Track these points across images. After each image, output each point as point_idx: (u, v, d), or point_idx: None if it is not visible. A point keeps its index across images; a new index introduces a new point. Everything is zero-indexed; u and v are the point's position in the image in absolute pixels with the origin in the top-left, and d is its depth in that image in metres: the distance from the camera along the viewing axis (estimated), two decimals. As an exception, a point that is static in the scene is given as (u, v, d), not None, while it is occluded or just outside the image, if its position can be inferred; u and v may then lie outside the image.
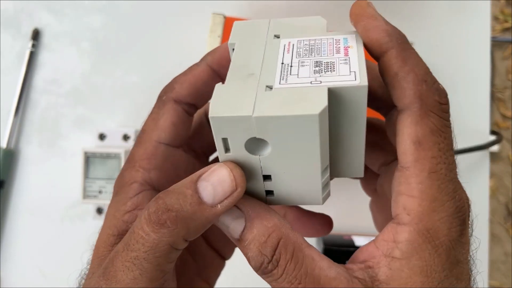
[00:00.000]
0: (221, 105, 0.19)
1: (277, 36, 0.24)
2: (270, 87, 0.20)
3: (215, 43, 0.42)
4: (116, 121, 0.49)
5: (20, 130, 0.50)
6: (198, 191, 0.20)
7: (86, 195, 0.46)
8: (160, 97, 0.27)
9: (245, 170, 0.21)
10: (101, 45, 0.50)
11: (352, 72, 0.20)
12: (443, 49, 0.48)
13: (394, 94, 0.20)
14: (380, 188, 0.27)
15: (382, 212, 0.27)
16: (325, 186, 0.22)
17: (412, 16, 0.48)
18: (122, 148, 0.47)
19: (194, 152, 0.29)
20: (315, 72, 0.21)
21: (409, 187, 0.20)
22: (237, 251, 0.46)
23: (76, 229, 0.49)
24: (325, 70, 0.20)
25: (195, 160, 0.29)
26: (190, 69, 0.27)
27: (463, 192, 0.21)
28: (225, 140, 0.20)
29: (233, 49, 0.24)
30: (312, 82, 0.20)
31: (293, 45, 0.23)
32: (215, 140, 0.20)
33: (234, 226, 0.20)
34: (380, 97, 0.24)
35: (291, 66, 0.21)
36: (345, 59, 0.21)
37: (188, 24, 0.52)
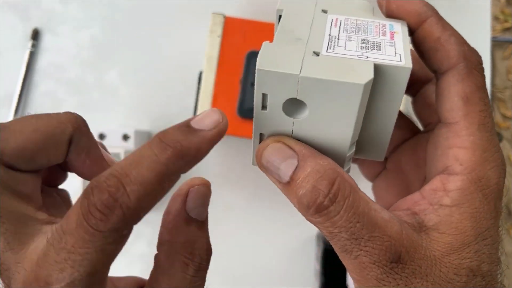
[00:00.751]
0: (269, 59, 0.19)
1: (325, 11, 0.24)
2: (317, 53, 0.20)
3: (215, 43, 0.42)
4: (116, 121, 0.49)
5: (20, 130, 0.50)
6: (190, 124, 0.19)
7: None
8: None
9: (276, 132, 0.21)
10: (101, 45, 0.50)
11: (397, 54, 0.21)
12: (443, 49, 0.48)
13: (437, 57, 0.22)
14: (394, 164, 0.27)
15: (394, 188, 0.27)
16: (348, 161, 0.22)
17: (412, 16, 0.48)
18: (122, 148, 0.47)
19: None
20: (361, 48, 0.21)
21: (460, 139, 0.21)
22: (229, 247, 0.45)
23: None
24: (372, 48, 0.21)
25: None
26: None
27: None
28: (264, 96, 0.20)
29: (280, 16, 0.23)
30: (359, 56, 0.20)
31: (340, 21, 0.23)
32: (255, 94, 0.20)
33: (284, 167, 0.20)
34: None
35: (338, 38, 0.21)
36: (391, 42, 0.21)
37: (188, 24, 0.52)
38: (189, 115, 0.44)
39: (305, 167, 0.19)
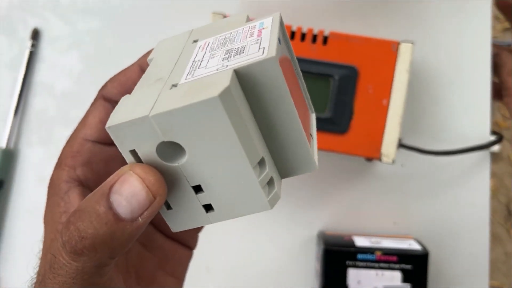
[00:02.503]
0: (120, 113, 0.17)
1: (196, 41, 0.22)
2: (175, 85, 0.18)
3: (215, 43, 0.42)
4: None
5: (20, 130, 0.50)
6: (113, 207, 0.18)
7: (86, 195, 0.46)
8: (96, 96, 0.26)
9: (170, 184, 0.18)
10: (100, 46, 0.50)
11: (261, 48, 0.18)
12: (443, 49, 0.48)
13: None
14: None
15: None
16: (267, 185, 0.19)
17: (412, 16, 0.48)
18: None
19: None
20: (223, 59, 0.19)
21: None
22: (229, 247, 0.45)
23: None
24: (235, 55, 0.19)
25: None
26: (125, 68, 0.26)
27: None
28: (134, 153, 0.18)
29: None
30: (219, 69, 0.18)
31: (208, 43, 0.21)
32: (123, 155, 0.18)
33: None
34: None
35: (201, 61, 0.19)
36: (257, 40, 0.19)
37: (188, 24, 0.52)
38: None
39: None
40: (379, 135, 0.41)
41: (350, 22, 0.48)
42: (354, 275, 0.43)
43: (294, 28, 0.42)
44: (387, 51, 0.41)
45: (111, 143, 0.25)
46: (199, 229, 0.28)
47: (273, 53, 0.17)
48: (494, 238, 1.16)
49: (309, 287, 0.47)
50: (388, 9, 0.48)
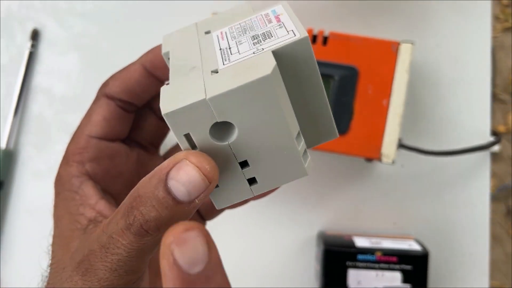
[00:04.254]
0: (171, 100, 0.18)
1: (208, 32, 0.23)
2: (216, 71, 0.19)
3: (215, 43, 0.42)
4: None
5: (20, 130, 0.50)
6: (171, 192, 0.19)
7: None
8: (97, 93, 0.27)
9: (219, 164, 0.19)
10: (99, 48, 0.50)
11: (290, 31, 0.20)
12: (443, 49, 0.48)
13: None
14: None
15: None
16: (304, 154, 0.21)
17: (412, 16, 0.48)
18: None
19: (139, 144, 0.29)
20: (254, 44, 0.20)
21: None
22: (229, 247, 0.46)
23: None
24: (264, 39, 0.20)
25: (141, 151, 0.29)
26: (127, 66, 0.27)
27: None
28: (188, 137, 0.19)
29: (169, 58, 0.23)
30: (255, 52, 0.19)
31: (225, 32, 0.22)
32: (178, 141, 0.19)
33: None
34: None
35: (229, 48, 0.21)
36: (279, 24, 0.21)
37: (187, 24, 0.52)
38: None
39: None
40: (379, 136, 0.41)
41: (350, 22, 0.47)
42: (354, 276, 0.43)
43: (294, 28, 0.42)
44: (387, 51, 0.41)
45: (114, 139, 0.26)
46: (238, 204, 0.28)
47: (305, 33, 0.19)
48: (494, 238, 1.16)
49: (309, 287, 0.47)
50: (388, 9, 0.48)
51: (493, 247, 1.15)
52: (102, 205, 0.25)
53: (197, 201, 0.19)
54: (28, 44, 0.49)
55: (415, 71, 0.46)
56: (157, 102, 0.29)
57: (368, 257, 0.43)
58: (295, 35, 0.19)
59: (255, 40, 0.20)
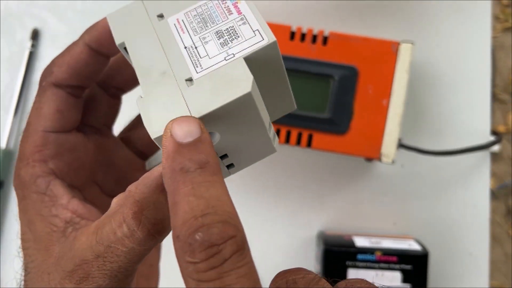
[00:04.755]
0: (155, 120, 0.19)
1: (161, 16, 0.22)
2: (190, 79, 0.20)
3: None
4: (116, 123, 0.49)
5: (20, 130, 0.50)
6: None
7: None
8: (40, 84, 0.26)
9: None
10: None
11: (255, 31, 0.20)
12: (443, 49, 0.48)
13: None
14: None
15: None
16: (273, 135, 0.22)
17: (412, 16, 0.48)
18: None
19: (93, 128, 0.28)
20: (222, 45, 0.20)
21: None
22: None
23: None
24: (230, 39, 0.20)
25: (96, 136, 0.28)
26: (68, 49, 0.25)
27: None
28: None
29: (125, 48, 0.22)
30: (226, 58, 0.20)
31: (182, 21, 0.22)
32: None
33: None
34: None
35: (195, 47, 0.21)
36: (241, 18, 0.21)
37: None
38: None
39: None
40: (379, 135, 0.41)
41: (350, 22, 0.47)
42: (354, 276, 0.43)
43: (294, 29, 0.42)
44: (387, 51, 0.41)
45: (71, 130, 0.25)
46: None
47: (273, 37, 0.20)
48: (494, 238, 1.16)
49: (309, 287, 0.47)
50: (388, 9, 0.48)
51: (493, 247, 1.15)
52: (75, 204, 0.24)
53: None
54: (28, 44, 0.49)
55: (415, 71, 0.46)
56: (107, 79, 0.28)
57: (368, 257, 0.43)
58: (263, 38, 0.20)
59: (222, 40, 0.20)
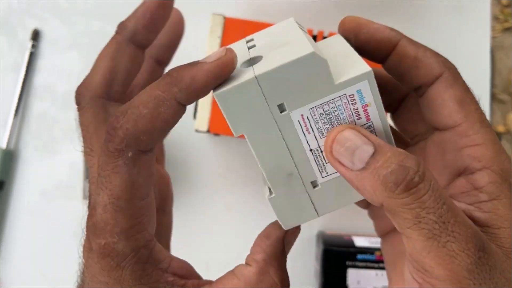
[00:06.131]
0: (288, 216, 0.24)
1: (281, 106, 0.20)
2: (316, 184, 0.22)
3: (215, 43, 0.42)
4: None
5: (20, 130, 0.50)
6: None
7: (86, 195, 0.46)
8: (122, 150, 0.21)
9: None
10: (101, 45, 0.50)
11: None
12: (443, 49, 0.48)
13: (419, 73, 0.22)
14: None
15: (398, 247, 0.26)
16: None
17: (411, 16, 0.48)
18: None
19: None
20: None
21: (469, 139, 0.21)
22: (229, 245, 0.45)
23: (76, 229, 0.49)
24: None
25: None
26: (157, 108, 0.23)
27: None
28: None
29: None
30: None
31: (307, 118, 0.20)
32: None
33: (364, 148, 0.19)
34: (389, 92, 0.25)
35: (321, 151, 0.21)
36: (369, 126, 0.21)
37: (187, 24, 0.52)
38: (189, 116, 0.44)
39: (384, 152, 0.19)
40: (379, 136, 0.41)
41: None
42: (354, 275, 0.43)
43: (294, 29, 0.42)
44: (387, 52, 0.41)
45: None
46: None
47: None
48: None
49: (308, 287, 0.47)
50: (388, 9, 0.48)
51: (493, 247, 1.15)
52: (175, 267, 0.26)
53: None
54: (28, 44, 0.49)
55: (415, 71, 0.46)
56: None
57: (368, 256, 0.43)
58: None
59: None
